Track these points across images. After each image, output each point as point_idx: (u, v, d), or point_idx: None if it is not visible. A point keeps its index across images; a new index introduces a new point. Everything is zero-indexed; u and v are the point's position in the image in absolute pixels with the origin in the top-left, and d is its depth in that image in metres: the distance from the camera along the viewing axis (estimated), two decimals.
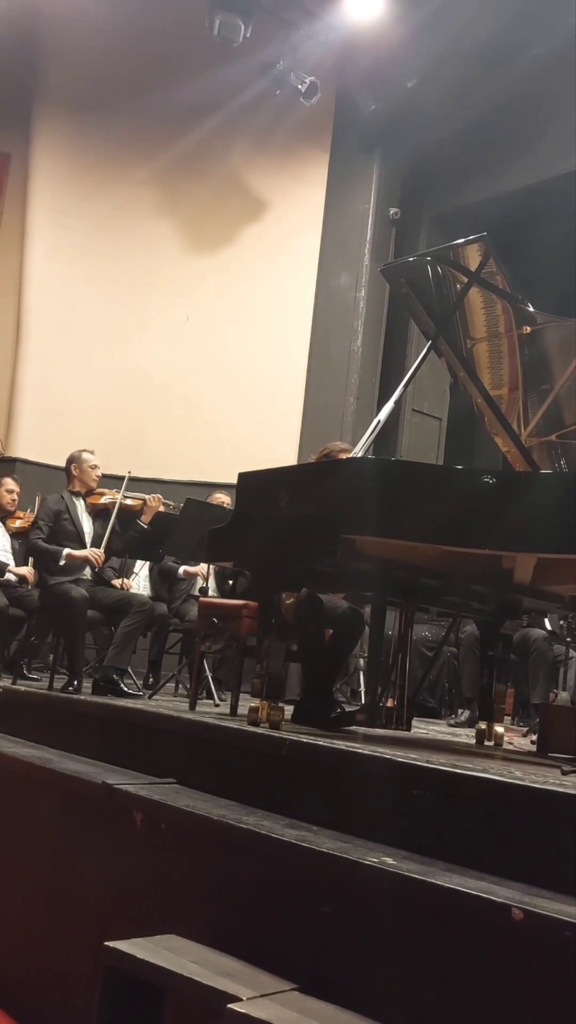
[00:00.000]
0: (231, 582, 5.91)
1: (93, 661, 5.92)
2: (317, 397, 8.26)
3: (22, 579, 5.89)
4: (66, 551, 5.10)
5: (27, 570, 5.88)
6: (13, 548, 6.07)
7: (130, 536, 5.39)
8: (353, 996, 2.16)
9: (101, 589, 5.09)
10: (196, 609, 5.02)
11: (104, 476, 5.52)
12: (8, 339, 8.63)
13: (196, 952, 2.43)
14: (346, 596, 4.54)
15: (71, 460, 5.45)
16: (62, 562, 5.08)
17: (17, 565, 5.99)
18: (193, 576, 6.09)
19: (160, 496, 5.59)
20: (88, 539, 5.22)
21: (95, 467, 5.41)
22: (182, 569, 6.15)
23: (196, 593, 5.83)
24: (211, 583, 5.97)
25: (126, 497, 5.48)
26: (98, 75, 8.65)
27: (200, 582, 5.94)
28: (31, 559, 5.83)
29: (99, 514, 5.39)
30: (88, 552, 5.14)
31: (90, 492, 5.41)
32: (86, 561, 5.12)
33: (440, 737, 4.33)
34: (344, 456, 4.14)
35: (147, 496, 5.56)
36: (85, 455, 5.44)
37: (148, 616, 5.12)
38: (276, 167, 8.60)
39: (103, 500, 5.43)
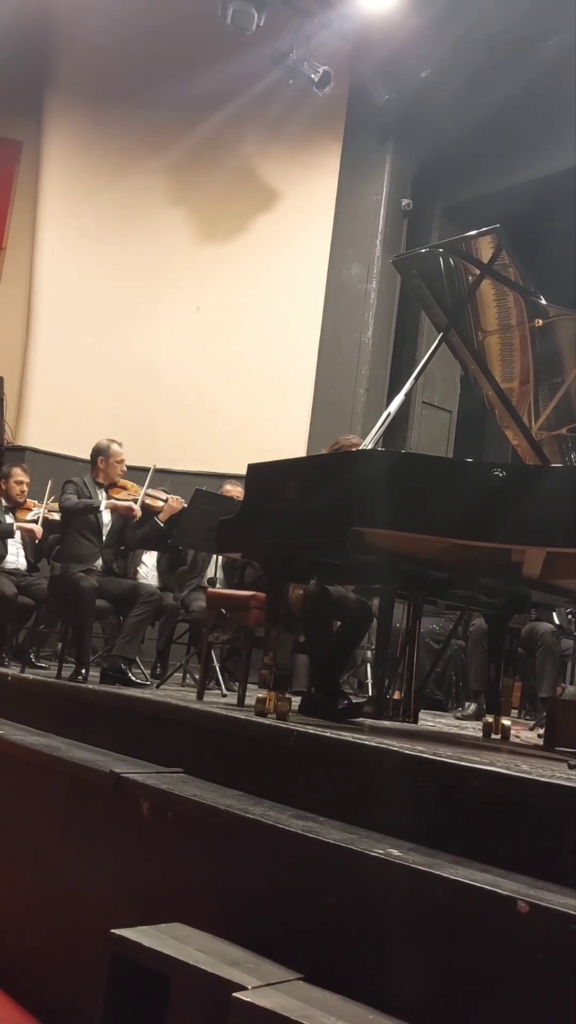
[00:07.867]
0: (240, 573, 5.92)
1: (101, 650, 5.94)
2: (327, 388, 8.24)
3: (30, 534, 5.87)
4: (107, 501, 5.12)
5: (36, 527, 5.85)
6: (23, 540, 6.06)
7: (144, 532, 5.43)
8: (358, 986, 2.17)
9: (110, 579, 5.10)
10: (204, 599, 5.03)
11: None
12: (19, 328, 8.63)
13: (202, 941, 2.44)
14: (354, 588, 4.53)
15: (98, 451, 5.31)
16: (103, 506, 5.10)
17: (27, 559, 5.98)
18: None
19: (180, 498, 5.57)
20: (105, 531, 5.17)
21: (121, 461, 5.31)
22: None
23: (205, 584, 5.84)
24: (219, 575, 5.97)
25: (148, 496, 5.43)
26: (111, 63, 8.63)
27: (209, 572, 5.95)
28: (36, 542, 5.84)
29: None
30: (132, 504, 5.17)
31: (112, 485, 5.32)
32: (128, 512, 5.16)
33: (447, 730, 4.32)
34: (355, 449, 4.13)
35: (170, 497, 5.53)
36: (114, 448, 5.29)
37: (156, 606, 5.14)
38: (288, 157, 8.57)
39: (125, 498, 5.34)
